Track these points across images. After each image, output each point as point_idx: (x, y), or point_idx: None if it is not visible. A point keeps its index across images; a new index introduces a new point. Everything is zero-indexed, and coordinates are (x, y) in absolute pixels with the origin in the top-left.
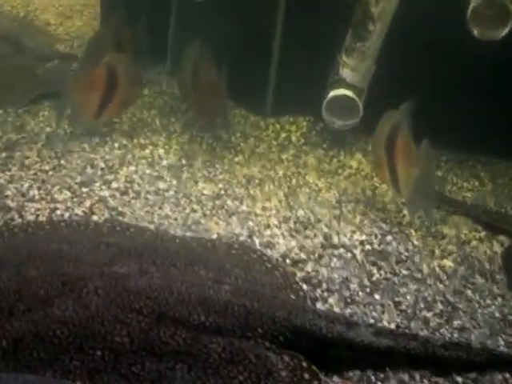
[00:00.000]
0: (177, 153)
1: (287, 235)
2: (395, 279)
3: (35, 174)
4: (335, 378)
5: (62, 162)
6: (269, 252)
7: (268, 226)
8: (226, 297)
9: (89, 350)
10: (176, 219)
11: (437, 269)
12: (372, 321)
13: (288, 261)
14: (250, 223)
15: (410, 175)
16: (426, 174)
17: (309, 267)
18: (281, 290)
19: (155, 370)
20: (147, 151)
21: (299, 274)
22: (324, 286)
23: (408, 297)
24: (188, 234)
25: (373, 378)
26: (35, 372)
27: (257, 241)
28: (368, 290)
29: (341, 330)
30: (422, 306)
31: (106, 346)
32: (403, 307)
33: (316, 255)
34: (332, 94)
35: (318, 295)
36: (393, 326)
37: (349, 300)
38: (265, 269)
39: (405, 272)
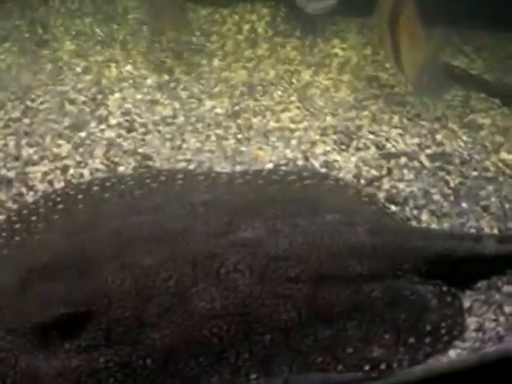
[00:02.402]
0: (148, 67)
1: (340, 150)
2: (470, 183)
3: (7, 126)
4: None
5: (28, 103)
6: (339, 174)
7: (313, 143)
8: (366, 240)
9: (255, 338)
10: (212, 152)
11: (500, 164)
12: (473, 230)
13: (362, 181)
14: (293, 142)
15: (414, 55)
16: (434, 58)
17: (386, 185)
18: (384, 218)
19: (328, 337)
20: (114, 70)
21: (380, 195)
22: (410, 203)
23: (492, 199)
24: (238, 168)
25: (499, 282)
26: (197, 381)
27: (316, 163)
28: (452, 198)
29: (470, 246)
30: (508, 206)
31: (273, 327)
32: (493, 210)
33: (384, 170)
34: None
35: (408, 215)
36: (495, 231)
37: (439, 214)
38: (357, 197)
39: (474, 173)
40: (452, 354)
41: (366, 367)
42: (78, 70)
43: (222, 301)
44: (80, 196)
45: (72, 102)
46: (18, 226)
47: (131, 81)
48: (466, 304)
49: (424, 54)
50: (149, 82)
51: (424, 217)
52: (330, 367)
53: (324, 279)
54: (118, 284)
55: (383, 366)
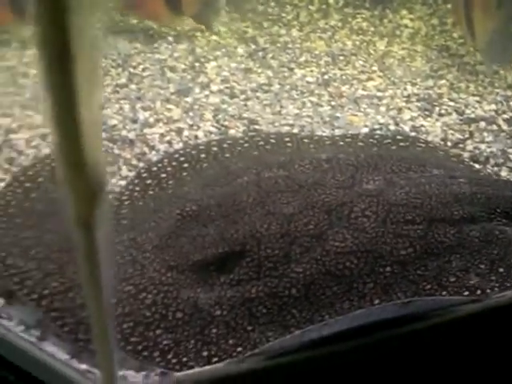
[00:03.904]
0: (232, 37)
1: (424, 116)
2: None
3: (116, 91)
4: None
5: (131, 70)
6: (427, 137)
7: (400, 110)
8: (467, 188)
9: (379, 269)
10: (310, 117)
11: None
12: None
13: (448, 143)
14: (382, 109)
15: (486, 23)
16: (504, 26)
17: (469, 146)
18: (473, 173)
19: (436, 267)
20: (202, 39)
21: (465, 155)
22: (491, 161)
23: None
24: (337, 132)
25: None
26: (331, 308)
27: (406, 128)
28: None
29: None
30: None
31: (393, 261)
32: None
33: (467, 133)
34: None
35: (490, 171)
36: None
37: None
38: (446, 157)
39: None
40: None
41: (465, 293)
42: (170, 39)
43: (352, 240)
44: (202, 155)
45: (172, 69)
46: (149, 181)
47: (223, 50)
48: None
49: (495, 23)
50: (240, 51)
51: (503, 173)
52: (437, 293)
53: (434, 221)
54: (266, 228)
55: (479, 292)
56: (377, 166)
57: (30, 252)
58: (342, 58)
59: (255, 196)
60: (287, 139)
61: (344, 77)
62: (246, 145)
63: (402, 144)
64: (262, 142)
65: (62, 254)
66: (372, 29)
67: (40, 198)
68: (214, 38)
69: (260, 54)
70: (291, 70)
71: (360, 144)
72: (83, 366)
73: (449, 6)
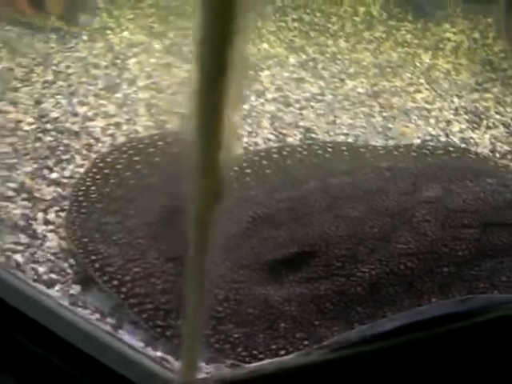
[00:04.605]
0: (281, 46)
1: (473, 128)
2: None
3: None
4: None
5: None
6: (477, 149)
7: (449, 122)
8: None
9: (437, 270)
10: (364, 127)
11: None
12: None
13: (497, 154)
14: (432, 121)
15: None
16: None
17: None
18: None
19: (489, 268)
20: (252, 48)
21: None
22: None
23: None
24: (390, 142)
25: None
26: (392, 305)
27: (455, 139)
28: None
29: None
30: None
31: (450, 262)
32: None
33: None
34: None
35: None
36: None
37: None
38: (496, 167)
39: None
40: None
41: None
42: (84, 37)
43: (413, 243)
44: (264, 161)
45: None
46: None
47: (275, 59)
48: None
49: None
50: (292, 60)
51: None
52: (488, 292)
53: (488, 226)
54: (334, 230)
55: None
56: (434, 175)
57: (111, 238)
58: (389, 69)
59: (323, 201)
60: (344, 148)
61: (393, 89)
62: (304, 152)
63: (453, 155)
64: (320, 151)
65: (144, 240)
66: (416, 41)
67: (119, 184)
68: (264, 46)
69: (310, 63)
70: (342, 80)
71: (413, 154)
72: (158, 354)
73: (490, 20)
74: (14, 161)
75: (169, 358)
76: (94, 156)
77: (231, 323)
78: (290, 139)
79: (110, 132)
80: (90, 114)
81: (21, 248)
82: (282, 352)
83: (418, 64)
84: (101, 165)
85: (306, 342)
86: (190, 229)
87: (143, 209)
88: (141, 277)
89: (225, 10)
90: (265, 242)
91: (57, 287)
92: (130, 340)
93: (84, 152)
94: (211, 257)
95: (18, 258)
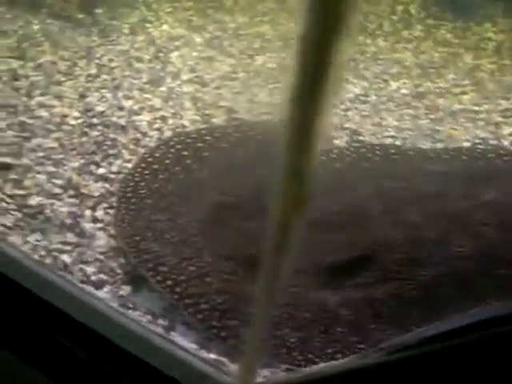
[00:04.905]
0: None
1: None
2: None
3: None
4: None
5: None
6: None
7: (497, 124)
8: None
9: (492, 272)
10: (411, 129)
11: None
12: None
13: None
14: (480, 123)
15: None
16: None
17: None
18: None
19: None
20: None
21: None
22: None
23: None
24: (439, 145)
25: None
26: (449, 307)
27: (506, 142)
28: None
29: None
30: None
31: (508, 265)
32: None
33: None
34: None
35: None
36: None
37: None
38: None
39: None
40: None
41: None
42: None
43: (471, 246)
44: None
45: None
46: None
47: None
48: None
49: None
50: (198, 40)
51: None
52: None
53: None
54: (392, 234)
55: None
56: (490, 179)
57: (163, 236)
58: (431, 70)
59: (380, 205)
60: (392, 151)
61: (438, 90)
62: (353, 155)
63: (505, 158)
64: (369, 154)
65: (197, 238)
66: (456, 41)
67: (168, 180)
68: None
69: (352, 64)
70: (385, 81)
71: (464, 157)
72: (212, 356)
73: None
74: (61, 156)
75: (224, 360)
76: (141, 151)
77: (287, 327)
78: (336, 141)
79: (156, 126)
80: (135, 107)
81: (68, 248)
82: (338, 356)
83: (460, 64)
84: (149, 160)
85: (361, 346)
86: (269, 231)
87: (195, 205)
88: (196, 276)
89: (335, 9)
90: (322, 247)
91: (106, 288)
92: (183, 342)
93: (131, 147)
94: (288, 262)
95: (66, 258)
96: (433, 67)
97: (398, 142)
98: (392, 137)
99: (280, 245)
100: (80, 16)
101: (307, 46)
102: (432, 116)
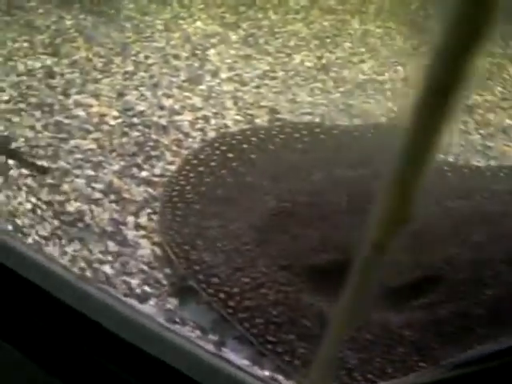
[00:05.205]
0: (221, 24)
1: None
2: None
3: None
4: None
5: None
6: None
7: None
8: None
9: None
10: (462, 145)
11: None
12: None
13: None
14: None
15: None
16: None
17: None
18: None
19: None
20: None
21: None
22: None
23: None
24: (492, 162)
25: None
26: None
27: None
28: None
29: None
30: None
31: None
32: None
33: None
34: None
35: None
36: None
37: None
38: None
39: None
40: None
41: None
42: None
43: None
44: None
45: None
46: None
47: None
48: None
49: None
50: (234, 37)
51: None
52: None
53: None
54: (459, 254)
55: None
56: None
57: (215, 244)
58: (327, 40)
59: (445, 225)
60: (446, 168)
61: (487, 104)
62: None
63: None
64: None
65: (251, 246)
66: (340, 7)
67: (215, 183)
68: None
69: (251, 39)
70: (288, 55)
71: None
72: (266, 373)
73: None
74: (100, 158)
75: (279, 377)
76: (184, 152)
77: (348, 349)
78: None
79: (198, 126)
80: (176, 106)
81: (110, 258)
82: (398, 375)
83: (351, 31)
84: (194, 162)
85: (423, 365)
86: (361, 249)
87: (247, 211)
88: (250, 288)
89: (475, 18)
90: (389, 269)
91: (151, 301)
92: (235, 358)
93: (174, 148)
94: (377, 283)
95: (107, 269)
96: (327, 36)
97: (450, 159)
98: (309, 113)
99: (370, 265)
100: (111, 11)
101: (442, 57)
102: (482, 131)
